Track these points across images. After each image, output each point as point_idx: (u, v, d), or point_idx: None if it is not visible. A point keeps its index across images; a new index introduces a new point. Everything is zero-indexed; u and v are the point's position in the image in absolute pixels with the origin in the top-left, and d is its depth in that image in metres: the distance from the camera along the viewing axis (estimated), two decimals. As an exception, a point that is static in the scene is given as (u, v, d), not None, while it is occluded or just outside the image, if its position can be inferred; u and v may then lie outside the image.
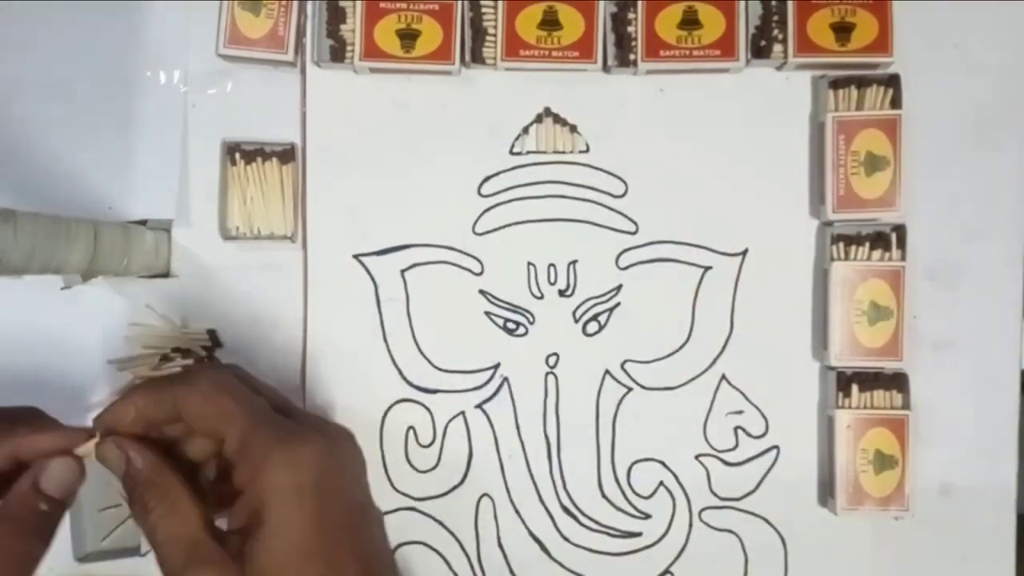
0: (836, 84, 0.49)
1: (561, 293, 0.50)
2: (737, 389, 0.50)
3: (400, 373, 0.50)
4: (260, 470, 0.34)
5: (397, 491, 0.50)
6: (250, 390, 0.37)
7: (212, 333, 0.50)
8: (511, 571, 0.50)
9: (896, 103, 0.48)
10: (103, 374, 0.50)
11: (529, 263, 0.50)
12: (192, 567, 0.34)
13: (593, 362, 0.50)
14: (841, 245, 0.49)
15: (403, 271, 0.50)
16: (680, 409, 0.50)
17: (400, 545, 0.50)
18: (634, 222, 0.50)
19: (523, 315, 0.50)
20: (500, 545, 0.50)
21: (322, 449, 0.35)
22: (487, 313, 0.50)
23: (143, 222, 0.51)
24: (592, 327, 0.50)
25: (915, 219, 0.49)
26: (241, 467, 0.35)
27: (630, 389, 0.50)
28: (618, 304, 0.50)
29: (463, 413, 0.50)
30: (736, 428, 0.50)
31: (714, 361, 0.50)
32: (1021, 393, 0.50)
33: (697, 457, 0.50)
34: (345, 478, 0.36)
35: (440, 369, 0.50)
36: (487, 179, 0.50)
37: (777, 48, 0.49)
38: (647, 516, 0.50)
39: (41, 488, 0.36)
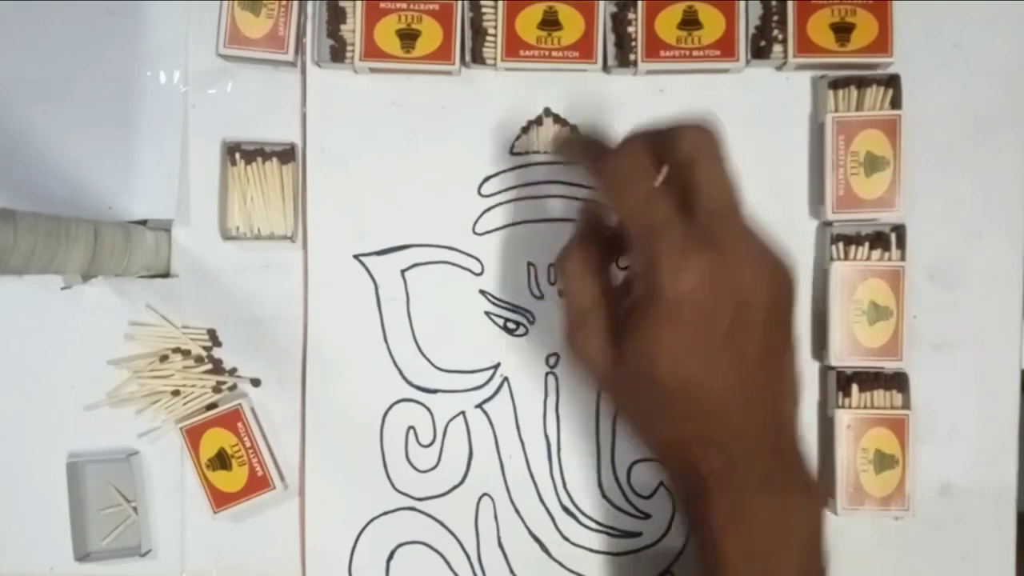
0: (836, 84, 0.49)
1: (561, 293, 0.50)
2: (737, 389, 0.50)
3: (400, 373, 0.50)
4: (649, 267, 0.35)
5: (397, 491, 0.50)
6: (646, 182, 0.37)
7: (212, 333, 0.50)
8: (511, 571, 0.50)
9: (896, 103, 0.48)
10: (103, 374, 0.50)
11: (529, 263, 0.50)
12: (581, 328, 0.38)
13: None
14: (841, 245, 0.49)
15: (403, 271, 0.50)
16: (680, 409, 0.50)
17: (400, 545, 0.50)
18: (634, 222, 0.50)
19: (523, 315, 0.50)
20: (500, 545, 0.50)
21: (712, 272, 0.34)
22: (487, 313, 0.50)
23: (143, 222, 0.51)
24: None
25: (915, 219, 0.49)
26: (635, 258, 0.37)
27: (630, 389, 0.50)
28: (618, 304, 0.50)
29: (463, 413, 0.50)
30: (736, 428, 0.50)
31: (714, 361, 0.50)
32: (1021, 393, 0.50)
33: (697, 457, 0.50)
34: (729, 306, 0.35)
35: (440, 369, 0.50)
36: (487, 179, 0.50)
37: (777, 48, 0.49)
38: (647, 516, 0.50)
39: None
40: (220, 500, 0.49)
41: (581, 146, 0.42)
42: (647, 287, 0.35)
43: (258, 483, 0.49)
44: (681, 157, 0.36)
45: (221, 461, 0.49)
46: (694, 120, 0.37)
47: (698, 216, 0.36)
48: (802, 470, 0.38)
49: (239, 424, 0.49)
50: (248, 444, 0.49)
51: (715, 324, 0.35)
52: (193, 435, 0.49)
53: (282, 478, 0.50)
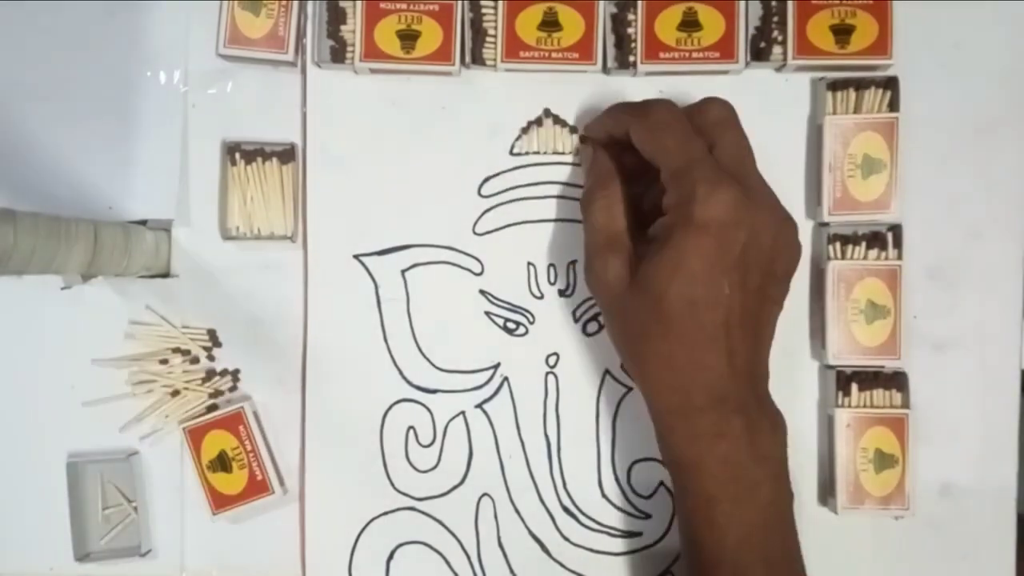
0: (834, 86, 0.49)
1: (561, 293, 0.50)
2: (737, 389, 0.50)
3: (400, 373, 0.50)
4: (686, 200, 0.40)
5: (397, 491, 0.50)
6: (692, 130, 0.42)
7: (212, 333, 0.50)
8: (511, 571, 0.50)
9: (894, 106, 0.48)
10: (103, 374, 0.50)
11: (529, 263, 0.50)
12: (604, 250, 0.44)
13: (593, 362, 0.50)
14: (837, 244, 0.49)
15: (403, 271, 0.50)
16: (680, 409, 0.50)
17: (400, 545, 0.50)
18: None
19: (523, 315, 0.50)
20: (500, 545, 0.50)
21: (734, 197, 0.39)
22: (487, 313, 0.50)
23: (143, 222, 0.51)
24: (592, 327, 0.50)
25: (915, 219, 0.49)
26: (669, 193, 0.41)
27: (630, 389, 0.50)
28: (618, 304, 0.50)
29: (463, 413, 0.50)
30: (736, 428, 0.50)
31: (714, 361, 0.50)
32: (1021, 392, 0.50)
33: (697, 457, 0.50)
34: (744, 232, 0.40)
35: (440, 369, 0.50)
36: (487, 179, 0.50)
37: (776, 50, 0.49)
38: (647, 516, 0.50)
39: None
40: (219, 502, 0.49)
41: (617, 109, 0.46)
42: (678, 214, 0.40)
43: (257, 487, 0.49)
44: (709, 122, 0.42)
45: (222, 463, 0.49)
46: (718, 97, 0.44)
47: (724, 167, 0.41)
48: (772, 407, 0.43)
49: (241, 427, 0.49)
50: (249, 448, 0.49)
51: (729, 252, 0.40)
52: (195, 436, 0.49)
53: (282, 483, 0.50)
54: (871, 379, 0.48)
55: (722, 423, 0.41)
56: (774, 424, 0.43)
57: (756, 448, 0.41)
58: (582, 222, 0.46)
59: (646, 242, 0.42)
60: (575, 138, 0.50)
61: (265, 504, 0.49)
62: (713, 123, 0.43)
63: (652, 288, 0.40)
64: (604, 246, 0.44)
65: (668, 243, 0.40)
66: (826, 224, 0.49)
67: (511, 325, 0.50)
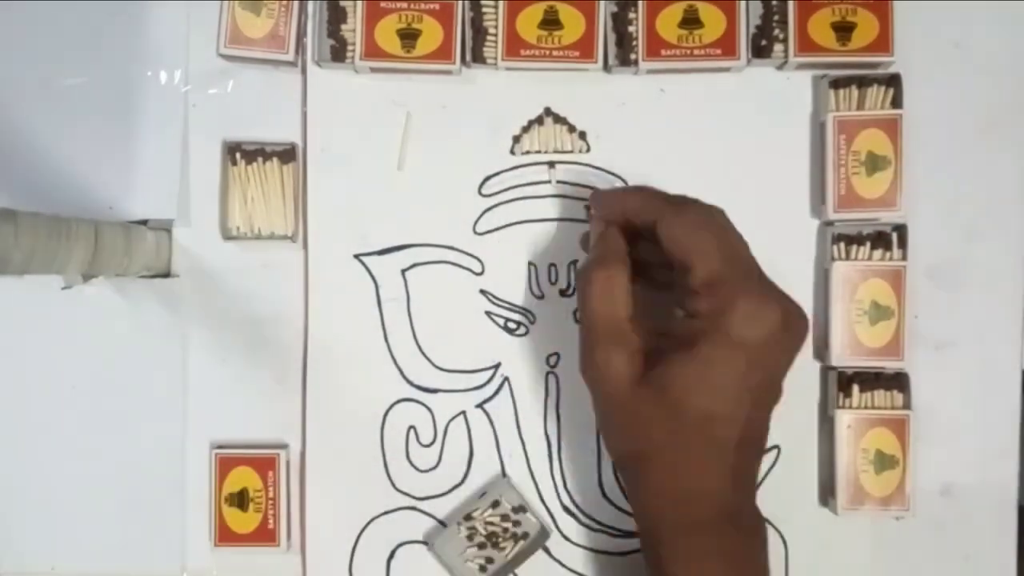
0: (837, 84, 0.48)
1: (562, 293, 0.50)
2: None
3: (401, 373, 0.50)
4: (721, 312, 0.37)
5: (398, 490, 0.50)
6: (733, 234, 0.40)
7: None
8: (512, 571, 0.50)
9: (897, 103, 0.48)
10: (103, 374, 0.50)
11: (530, 263, 0.50)
12: (606, 342, 0.40)
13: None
14: (842, 245, 0.49)
15: (404, 271, 0.50)
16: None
17: (401, 545, 0.50)
18: (635, 222, 0.50)
19: (524, 315, 0.50)
20: (501, 545, 0.50)
21: (779, 319, 0.38)
22: (488, 313, 0.50)
23: (144, 222, 0.51)
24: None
25: (916, 219, 0.49)
26: (701, 299, 0.38)
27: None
28: (619, 304, 0.50)
29: (464, 413, 0.50)
30: (737, 428, 0.50)
31: (715, 361, 0.50)
32: (1022, 393, 0.49)
33: (698, 457, 0.50)
34: (780, 356, 0.39)
35: (441, 369, 0.50)
36: (487, 179, 0.50)
37: (778, 47, 0.48)
38: (648, 516, 0.50)
39: None
40: (225, 536, 0.49)
41: (647, 193, 0.43)
42: (711, 323, 0.38)
43: (266, 535, 0.49)
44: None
45: (240, 500, 0.49)
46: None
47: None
48: (759, 514, 0.41)
49: (271, 472, 0.49)
50: (271, 495, 0.49)
51: (758, 372, 0.38)
52: (224, 465, 0.49)
53: (289, 537, 0.49)
54: (872, 380, 0.48)
55: (724, 541, 0.39)
56: (764, 536, 0.41)
57: (753, 564, 0.40)
58: (577, 298, 0.44)
59: (648, 333, 0.40)
60: (576, 137, 0.50)
61: (266, 552, 0.49)
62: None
63: (668, 394, 0.38)
64: (606, 336, 0.40)
65: (695, 351, 0.38)
66: (831, 223, 0.49)
67: (512, 325, 0.50)
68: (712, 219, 0.40)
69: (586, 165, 0.50)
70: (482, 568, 0.48)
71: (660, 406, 0.38)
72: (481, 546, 0.48)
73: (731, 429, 0.38)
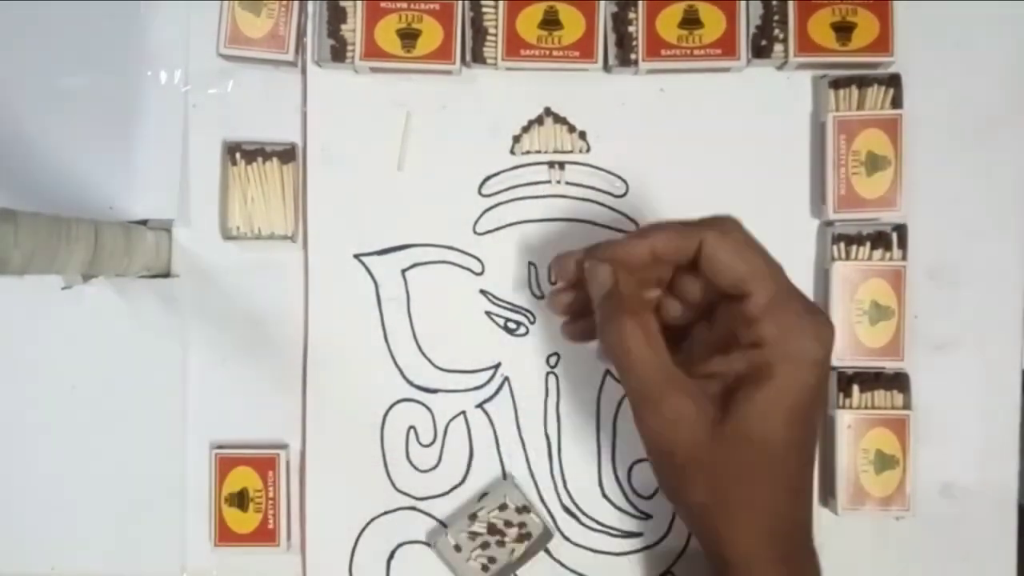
0: (837, 84, 0.48)
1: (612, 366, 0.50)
2: (738, 389, 0.50)
3: (401, 373, 0.50)
4: (787, 333, 0.36)
5: (398, 491, 0.50)
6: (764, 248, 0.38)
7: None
8: (512, 571, 0.50)
9: (897, 103, 0.48)
10: (103, 374, 0.50)
11: (530, 263, 0.50)
12: (671, 392, 0.37)
13: (594, 361, 0.50)
14: (842, 245, 0.49)
15: (404, 271, 0.50)
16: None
17: (401, 545, 0.50)
18: (635, 221, 0.50)
19: (524, 315, 0.50)
20: (501, 545, 0.50)
21: (833, 333, 0.37)
22: (488, 313, 0.50)
23: (144, 222, 0.51)
24: (593, 327, 0.50)
25: (916, 219, 0.49)
26: (765, 324, 0.37)
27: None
28: (619, 304, 0.50)
29: (464, 413, 0.50)
30: (737, 428, 0.50)
31: (715, 361, 0.50)
32: (1022, 393, 0.49)
33: (698, 457, 0.50)
34: (827, 370, 0.38)
35: (441, 369, 0.50)
36: (487, 179, 0.50)
37: (778, 48, 0.49)
38: (648, 516, 0.50)
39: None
40: (225, 536, 0.49)
41: (673, 225, 0.40)
42: (779, 348, 0.36)
43: (266, 535, 0.49)
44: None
45: (240, 500, 0.49)
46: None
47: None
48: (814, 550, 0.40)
49: (271, 472, 0.49)
50: (271, 495, 0.49)
51: (823, 389, 0.37)
52: (224, 465, 0.49)
53: (289, 537, 0.49)
54: (873, 380, 0.48)
55: (810, 565, 0.39)
56: (818, 568, 0.39)
57: None
58: (609, 360, 0.39)
59: (690, 374, 0.38)
60: (576, 137, 0.50)
61: (266, 551, 0.49)
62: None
63: (755, 431, 0.36)
64: (668, 385, 0.37)
65: (772, 381, 0.36)
66: (831, 223, 0.49)
67: (512, 325, 0.50)
68: (752, 237, 0.38)
69: (586, 165, 0.50)
70: (484, 568, 0.48)
71: (748, 445, 0.36)
72: (484, 546, 0.48)
73: (807, 453, 0.38)
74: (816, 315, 0.37)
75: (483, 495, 0.49)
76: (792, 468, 0.38)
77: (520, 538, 0.48)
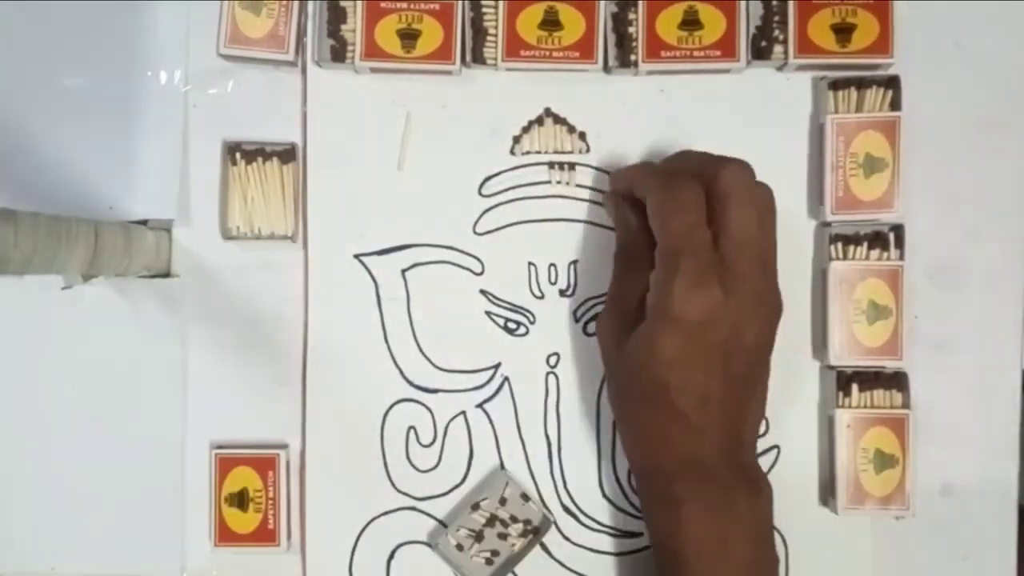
0: (836, 85, 0.49)
1: (562, 293, 0.50)
2: (738, 389, 0.50)
3: (401, 373, 0.50)
4: (660, 286, 0.41)
5: (398, 491, 0.50)
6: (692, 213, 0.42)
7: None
8: (511, 571, 0.50)
9: (895, 105, 0.48)
10: (103, 374, 0.50)
11: (530, 263, 0.50)
12: (611, 306, 0.47)
13: (594, 361, 0.50)
14: (839, 245, 0.49)
15: (404, 271, 0.50)
16: (681, 409, 0.50)
17: (400, 545, 0.50)
18: (635, 222, 0.50)
19: (524, 315, 0.50)
20: (501, 545, 0.50)
21: (714, 304, 0.40)
22: (488, 313, 0.50)
23: (144, 222, 0.51)
24: (593, 327, 0.50)
25: (916, 219, 0.49)
26: (656, 272, 0.42)
27: (631, 389, 0.50)
28: (619, 304, 0.50)
29: (464, 413, 0.50)
30: (737, 428, 0.50)
31: (714, 361, 0.50)
32: (1022, 393, 0.50)
33: (698, 457, 0.50)
34: (722, 333, 0.41)
35: (441, 369, 0.50)
36: (487, 179, 0.50)
37: (778, 49, 0.49)
38: (648, 516, 0.50)
39: None
40: (225, 536, 0.49)
41: (646, 170, 0.46)
42: (656, 298, 0.41)
43: (266, 535, 0.49)
44: (718, 192, 0.41)
45: (240, 501, 0.49)
46: (736, 160, 0.42)
47: (722, 246, 0.41)
48: (756, 473, 0.44)
49: (271, 472, 0.49)
50: (271, 495, 0.49)
51: (703, 346, 0.41)
52: (223, 466, 0.49)
53: (289, 537, 0.49)
54: (872, 379, 0.48)
55: (693, 488, 0.42)
56: (755, 489, 0.43)
57: (731, 512, 0.42)
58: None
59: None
60: (576, 137, 0.50)
61: (266, 551, 0.49)
62: (721, 195, 0.41)
63: (631, 361, 0.42)
64: (607, 306, 0.47)
65: (646, 325, 0.42)
66: (828, 224, 0.49)
67: (512, 325, 0.50)
68: (688, 202, 0.41)
69: (586, 165, 0.50)
70: (488, 562, 0.49)
71: (629, 368, 0.43)
72: (486, 539, 0.48)
73: (687, 397, 0.41)
74: (709, 284, 0.40)
75: (483, 488, 0.49)
76: (668, 404, 0.41)
77: (521, 529, 0.49)
